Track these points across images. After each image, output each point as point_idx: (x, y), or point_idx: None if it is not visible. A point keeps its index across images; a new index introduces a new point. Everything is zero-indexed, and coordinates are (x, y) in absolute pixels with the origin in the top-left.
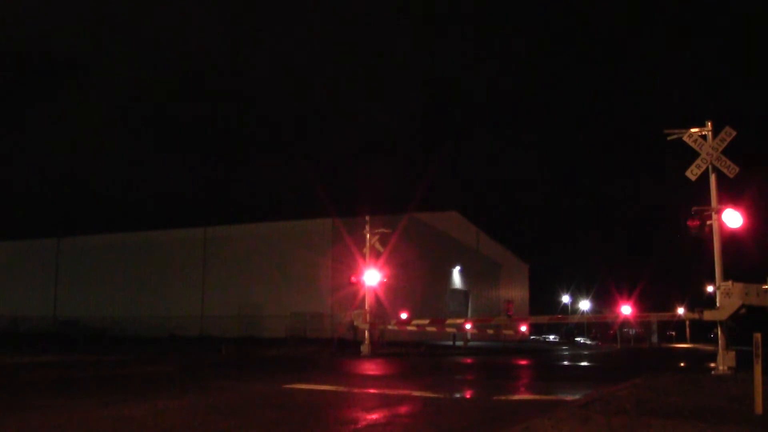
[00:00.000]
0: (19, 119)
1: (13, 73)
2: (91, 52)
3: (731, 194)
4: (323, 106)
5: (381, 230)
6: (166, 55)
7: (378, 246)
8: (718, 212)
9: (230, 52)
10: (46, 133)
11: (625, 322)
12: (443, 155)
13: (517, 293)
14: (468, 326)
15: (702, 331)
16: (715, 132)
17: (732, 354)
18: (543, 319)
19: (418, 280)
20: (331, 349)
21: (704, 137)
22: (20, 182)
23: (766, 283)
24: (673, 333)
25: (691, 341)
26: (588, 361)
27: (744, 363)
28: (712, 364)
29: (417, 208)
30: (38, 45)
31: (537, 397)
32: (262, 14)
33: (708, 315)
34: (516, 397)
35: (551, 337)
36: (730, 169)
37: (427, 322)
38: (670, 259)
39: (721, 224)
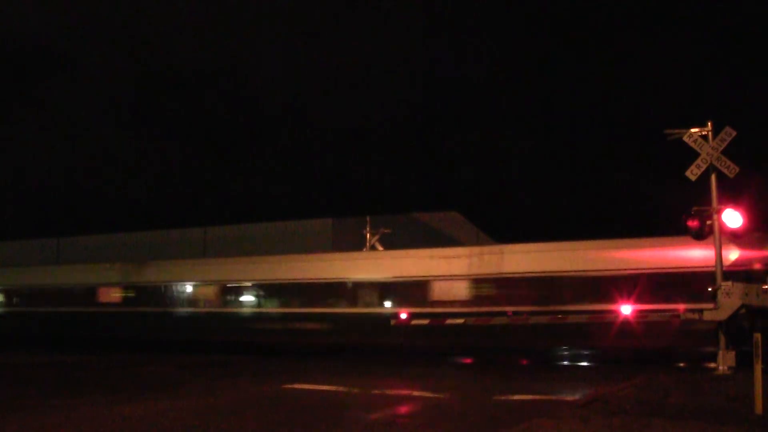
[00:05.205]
0: (17, 117)
1: (9, 70)
2: (87, 50)
3: (731, 194)
4: (323, 104)
5: (381, 230)
6: (165, 53)
7: (378, 246)
8: (718, 212)
9: (228, 49)
10: (45, 132)
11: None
12: (443, 154)
13: None
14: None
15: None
16: (715, 132)
17: (732, 354)
18: (543, 319)
19: None
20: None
21: (704, 137)
22: (19, 181)
23: (766, 284)
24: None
25: None
26: (588, 361)
27: (744, 363)
28: (712, 364)
29: (417, 208)
30: (35, 42)
31: (537, 397)
32: (261, 12)
33: (708, 315)
34: (516, 397)
35: None
36: (730, 169)
37: (426, 321)
38: None
39: (721, 224)
